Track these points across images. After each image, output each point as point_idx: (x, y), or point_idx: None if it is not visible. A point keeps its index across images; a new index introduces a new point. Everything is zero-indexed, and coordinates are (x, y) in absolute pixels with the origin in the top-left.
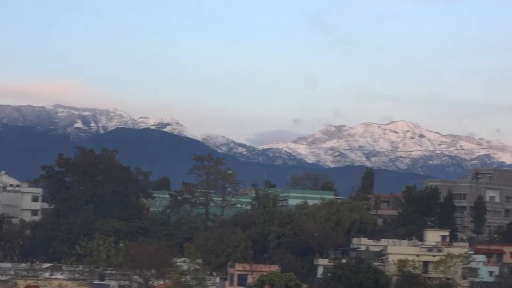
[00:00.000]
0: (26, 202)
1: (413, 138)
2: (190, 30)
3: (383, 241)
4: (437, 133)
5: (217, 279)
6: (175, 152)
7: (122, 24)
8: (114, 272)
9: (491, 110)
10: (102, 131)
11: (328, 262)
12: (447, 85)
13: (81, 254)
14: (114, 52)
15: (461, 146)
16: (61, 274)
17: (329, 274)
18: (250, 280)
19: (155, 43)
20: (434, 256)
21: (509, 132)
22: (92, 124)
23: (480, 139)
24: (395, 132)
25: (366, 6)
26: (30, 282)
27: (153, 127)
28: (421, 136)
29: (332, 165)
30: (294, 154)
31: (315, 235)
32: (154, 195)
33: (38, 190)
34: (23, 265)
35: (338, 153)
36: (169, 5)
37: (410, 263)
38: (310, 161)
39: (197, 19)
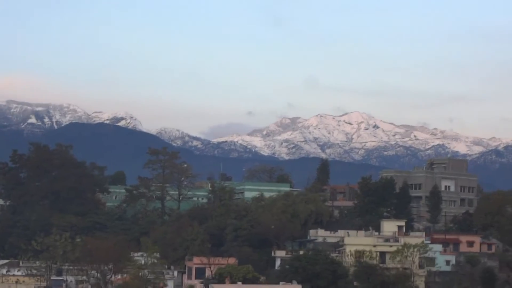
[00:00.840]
0: None
1: (367, 129)
2: (143, 23)
3: (340, 232)
4: (391, 123)
5: (175, 273)
6: (130, 147)
7: (75, 17)
8: (71, 267)
9: (444, 100)
10: (56, 127)
11: (286, 254)
12: (400, 76)
13: (38, 250)
14: (67, 46)
15: (415, 136)
16: (18, 270)
17: (286, 266)
18: (208, 273)
19: (109, 36)
20: (391, 246)
21: (462, 122)
22: (46, 120)
23: (434, 129)
24: (350, 123)
25: None
26: None
27: (107, 122)
28: (375, 127)
29: (287, 157)
30: (249, 146)
31: (272, 227)
32: (110, 190)
33: None
34: None
35: (293, 145)
36: None
37: (367, 253)
38: (265, 154)
39: (150, 11)
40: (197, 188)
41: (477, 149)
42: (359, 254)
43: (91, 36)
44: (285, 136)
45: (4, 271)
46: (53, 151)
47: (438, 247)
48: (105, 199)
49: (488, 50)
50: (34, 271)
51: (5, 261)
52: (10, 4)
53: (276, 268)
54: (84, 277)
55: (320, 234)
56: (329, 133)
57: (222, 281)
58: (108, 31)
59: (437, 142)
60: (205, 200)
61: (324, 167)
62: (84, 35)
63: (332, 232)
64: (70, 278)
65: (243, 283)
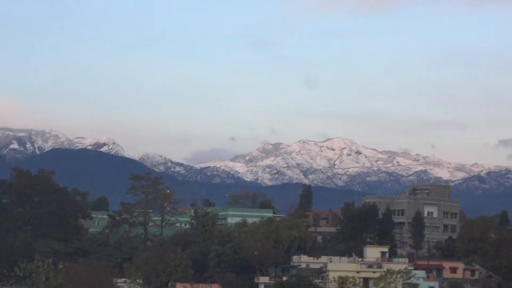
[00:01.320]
0: None
1: (350, 155)
2: (127, 47)
3: (323, 258)
4: (374, 149)
5: None
6: (112, 172)
7: (58, 42)
8: None
9: (426, 125)
10: (38, 152)
11: (269, 280)
12: (382, 102)
13: (21, 276)
14: (49, 71)
15: (398, 162)
16: None
17: None
18: None
19: (92, 62)
20: (374, 272)
21: (444, 148)
22: (28, 145)
23: (416, 155)
24: (332, 149)
25: (303, 23)
26: None
27: (89, 147)
28: (358, 152)
29: (270, 183)
30: (232, 172)
31: (255, 253)
32: (93, 215)
33: None
34: None
35: (275, 171)
36: (105, 22)
37: (351, 279)
38: (248, 179)
39: (133, 35)
40: (180, 214)
41: (460, 175)
42: (342, 280)
43: (73, 61)
44: (267, 161)
45: None
46: (35, 176)
47: (421, 273)
48: (88, 225)
49: (470, 76)
50: None
51: None
52: None
53: None
54: None
55: (303, 260)
56: (311, 159)
57: None
58: (91, 56)
59: (419, 168)
60: (188, 226)
61: (307, 193)
62: (66, 61)
63: (315, 258)
64: None
65: None
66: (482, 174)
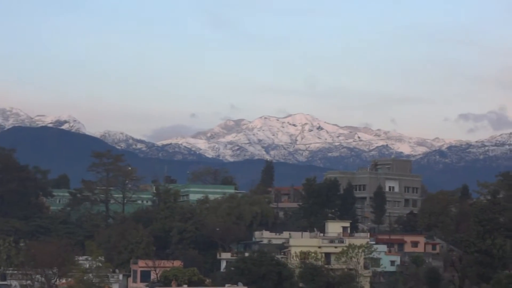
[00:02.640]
0: None
1: (311, 130)
2: (85, 25)
3: (285, 234)
4: (335, 125)
5: (120, 276)
6: (73, 150)
7: (17, 20)
8: (15, 272)
9: (387, 101)
10: None
11: (231, 256)
12: (343, 77)
13: None
14: (9, 49)
15: (359, 137)
16: None
17: (232, 268)
18: (153, 276)
19: (51, 39)
20: (336, 247)
21: (405, 123)
22: None
23: (378, 130)
24: (294, 125)
25: (263, 0)
26: None
27: (50, 125)
28: (320, 128)
29: (231, 159)
30: (193, 149)
31: (217, 229)
32: (54, 193)
33: None
34: None
35: (237, 147)
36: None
37: (312, 255)
38: (210, 156)
39: (92, 13)
40: (142, 191)
41: (421, 150)
42: (304, 256)
43: (33, 39)
44: (229, 138)
45: None
46: None
47: (383, 247)
48: (49, 202)
49: (431, 51)
50: None
51: None
52: None
53: (221, 270)
54: (29, 282)
55: (265, 236)
56: (273, 135)
57: (167, 284)
58: (50, 34)
59: (381, 143)
60: (149, 203)
61: (268, 169)
62: (26, 39)
63: (277, 233)
64: (15, 283)
65: (188, 286)
66: (443, 148)
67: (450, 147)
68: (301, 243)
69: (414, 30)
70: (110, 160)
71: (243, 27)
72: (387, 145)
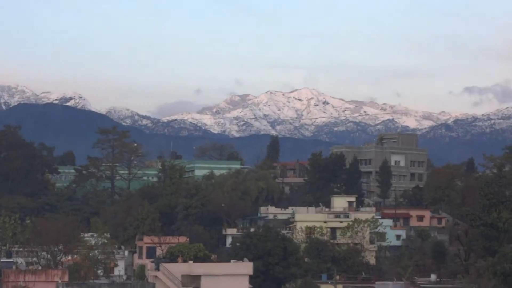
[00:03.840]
0: None
1: (317, 105)
2: (92, 1)
3: (290, 209)
4: (341, 99)
5: (126, 253)
6: (79, 127)
7: None
8: (21, 249)
9: (392, 75)
10: (4, 108)
11: (237, 232)
12: (348, 51)
13: None
14: (13, 25)
15: (365, 111)
16: None
17: (237, 244)
18: (159, 252)
19: (55, 15)
20: (341, 222)
21: (410, 97)
22: None
23: (383, 104)
24: (299, 99)
25: None
26: None
27: (56, 102)
28: (325, 103)
29: (237, 135)
30: (199, 124)
31: (223, 205)
32: (59, 170)
33: None
34: None
35: (243, 122)
36: None
37: (318, 230)
38: (215, 131)
39: None
40: (147, 167)
41: (427, 124)
42: (309, 231)
43: (37, 15)
44: (235, 113)
45: None
46: (2, 132)
47: (389, 222)
48: (55, 179)
49: (435, 24)
50: None
51: None
52: None
53: (227, 246)
54: (35, 259)
55: (270, 211)
56: (279, 110)
57: (173, 260)
58: (55, 9)
59: (387, 117)
60: (155, 179)
61: (274, 144)
62: (30, 15)
63: (283, 209)
64: (20, 260)
65: (194, 261)
66: (449, 122)
67: (456, 121)
68: (306, 218)
69: (418, 3)
70: (115, 136)
71: (247, 0)
72: (393, 119)
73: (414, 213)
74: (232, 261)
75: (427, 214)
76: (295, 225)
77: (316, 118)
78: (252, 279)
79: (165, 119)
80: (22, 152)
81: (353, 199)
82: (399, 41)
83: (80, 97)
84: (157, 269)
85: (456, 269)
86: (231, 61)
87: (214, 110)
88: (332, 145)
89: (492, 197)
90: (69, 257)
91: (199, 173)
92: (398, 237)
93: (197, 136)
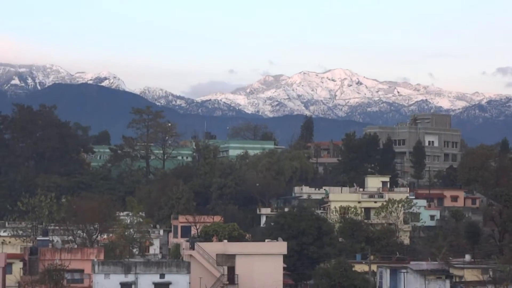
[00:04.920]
0: None
1: (350, 85)
2: None
3: (324, 189)
4: (374, 80)
5: (161, 232)
6: (113, 106)
7: None
8: (57, 227)
9: (425, 55)
10: (39, 87)
11: (271, 211)
12: (382, 32)
13: (24, 210)
14: (48, 6)
15: (398, 92)
16: (4, 231)
17: (272, 223)
18: (193, 231)
19: None
20: (375, 202)
21: (442, 77)
22: (29, 81)
23: (417, 84)
24: (333, 80)
25: None
26: None
27: (90, 82)
28: (359, 83)
29: (271, 115)
30: (233, 105)
31: (257, 185)
32: (94, 149)
33: None
34: None
35: (276, 103)
36: None
37: (352, 209)
38: (249, 112)
39: None
40: (182, 147)
41: (460, 104)
42: (344, 211)
43: None
44: (268, 93)
45: None
46: (37, 112)
47: (423, 202)
48: (90, 159)
49: (468, 4)
50: (20, 232)
51: None
52: None
53: (261, 225)
54: (70, 237)
55: (304, 191)
56: (312, 90)
57: (208, 239)
58: None
59: (420, 97)
60: (189, 159)
61: (308, 124)
62: None
63: (317, 189)
64: (56, 238)
65: (228, 241)
66: (483, 103)
67: (489, 101)
68: (340, 198)
69: None
70: (150, 116)
71: None
72: (426, 99)
73: (448, 193)
74: (266, 240)
75: (461, 194)
76: (329, 205)
77: (350, 99)
78: (286, 258)
79: (199, 99)
80: (58, 132)
81: (387, 179)
82: (432, 22)
83: (115, 77)
84: (192, 248)
85: (490, 250)
86: (264, 42)
87: (248, 90)
88: (366, 125)
89: None
90: (105, 236)
91: (233, 153)
92: (432, 217)
93: (231, 116)
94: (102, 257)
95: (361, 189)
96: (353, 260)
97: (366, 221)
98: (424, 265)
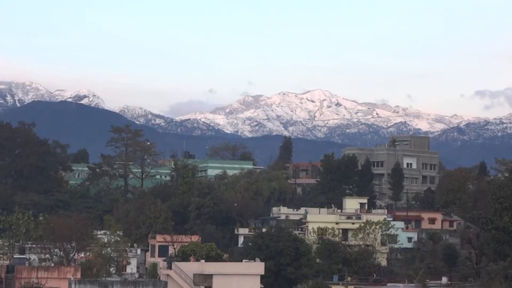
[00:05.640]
0: None
1: (330, 106)
2: (104, 2)
3: (302, 210)
4: (354, 101)
5: (138, 251)
6: (92, 125)
7: None
8: (34, 245)
9: (404, 77)
10: (18, 105)
11: (249, 232)
12: (361, 53)
13: (1, 228)
14: (28, 23)
15: (377, 114)
16: None
17: (249, 243)
18: (171, 251)
19: (70, 15)
20: (353, 223)
21: (421, 99)
22: (8, 98)
23: (396, 106)
24: (312, 101)
25: None
26: None
27: (69, 100)
28: (338, 104)
29: (250, 135)
30: (212, 124)
31: (235, 205)
32: (73, 168)
33: None
34: None
35: (256, 123)
36: None
37: (330, 231)
38: (228, 131)
39: None
40: (160, 166)
41: (439, 127)
42: (321, 231)
43: (53, 14)
44: (247, 114)
45: None
46: (16, 129)
47: (400, 224)
48: (68, 177)
49: (447, 27)
50: None
51: None
52: None
53: (239, 245)
54: (47, 255)
55: (283, 212)
56: (291, 111)
57: (185, 259)
58: (70, 9)
59: (399, 119)
60: (168, 178)
61: (286, 145)
62: (46, 13)
63: (295, 209)
64: (33, 256)
65: (206, 260)
66: (461, 125)
67: (468, 124)
68: (318, 219)
69: (431, 5)
70: (129, 135)
71: (261, 1)
72: (405, 121)
73: (425, 215)
74: (244, 260)
75: (438, 217)
76: (307, 226)
77: (329, 120)
78: (263, 279)
79: (178, 118)
80: (36, 149)
81: (365, 200)
82: (411, 44)
83: (94, 95)
84: (169, 267)
85: (467, 273)
86: (244, 62)
87: (227, 110)
88: (345, 146)
89: (504, 201)
90: (82, 255)
91: (211, 172)
92: (409, 239)
93: (210, 136)
94: (79, 275)
95: (339, 210)
96: (330, 281)
97: (343, 242)
98: (401, 287)
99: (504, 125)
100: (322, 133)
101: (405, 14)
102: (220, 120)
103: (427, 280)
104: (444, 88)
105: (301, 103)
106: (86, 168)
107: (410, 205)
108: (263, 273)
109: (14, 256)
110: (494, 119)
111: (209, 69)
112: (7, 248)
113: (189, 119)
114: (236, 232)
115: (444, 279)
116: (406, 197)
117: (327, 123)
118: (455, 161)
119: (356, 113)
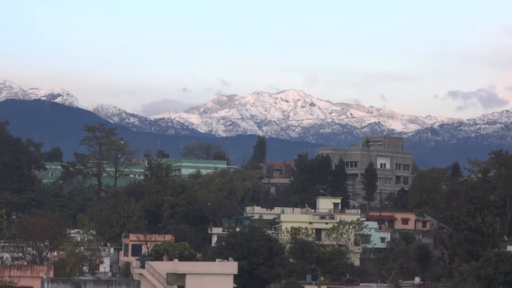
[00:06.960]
0: None
1: (304, 106)
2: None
3: (276, 209)
4: (328, 101)
5: (112, 250)
6: (66, 123)
7: None
8: (7, 244)
9: (376, 78)
10: None
11: (222, 231)
12: (335, 54)
13: None
14: (1, 21)
15: (351, 114)
16: None
17: (223, 243)
18: (144, 250)
19: (43, 12)
20: (326, 223)
21: (394, 100)
22: None
23: (370, 107)
24: (286, 101)
25: None
26: None
27: (43, 98)
28: (312, 104)
29: (224, 135)
30: (186, 124)
31: (209, 204)
32: (46, 166)
33: None
34: None
35: (230, 122)
36: None
37: (303, 230)
38: (202, 131)
39: None
40: (134, 165)
41: (413, 127)
42: (295, 231)
43: (27, 12)
44: (222, 113)
45: None
46: None
47: (374, 224)
48: (41, 175)
49: (421, 28)
50: None
51: None
52: None
53: (212, 245)
54: (20, 254)
55: (256, 211)
56: (266, 111)
57: (158, 258)
58: (44, 6)
59: (373, 120)
60: (141, 177)
61: (260, 145)
62: (19, 11)
63: (269, 209)
64: (6, 255)
65: (179, 260)
66: (435, 126)
67: (441, 125)
68: (292, 219)
69: (404, 7)
70: (102, 133)
71: (235, 2)
72: (379, 122)
73: (399, 216)
74: (217, 260)
75: (412, 217)
76: (280, 226)
77: (303, 120)
78: (236, 278)
79: (152, 117)
80: (9, 148)
81: (338, 200)
82: (384, 45)
83: (68, 94)
84: (143, 266)
85: (440, 273)
86: (217, 61)
87: (201, 109)
88: (318, 146)
89: (477, 201)
90: (55, 253)
91: (185, 172)
92: (382, 239)
93: (184, 135)
94: (51, 274)
95: (313, 210)
96: (303, 281)
97: (317, 242)
98: (374, 287)
99: (478, 126)
100: (296, 133)
101: (378, 16)
102: (194, 120)
103: (400, 280)
104: (418, 89)
105: (275, 103)
106: (60, 167)
107: (383, 205)
108: (236, 272)
109: None
110: (468, 120)
111: (183, 68)
112: None
113: (163, 118)
114: (209, 231)
115: (417, 279)
116: (380, 197)
117: (301, 123)
118: (428, 162)
119: (330, 113)
